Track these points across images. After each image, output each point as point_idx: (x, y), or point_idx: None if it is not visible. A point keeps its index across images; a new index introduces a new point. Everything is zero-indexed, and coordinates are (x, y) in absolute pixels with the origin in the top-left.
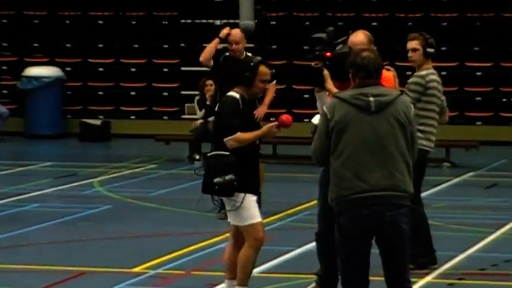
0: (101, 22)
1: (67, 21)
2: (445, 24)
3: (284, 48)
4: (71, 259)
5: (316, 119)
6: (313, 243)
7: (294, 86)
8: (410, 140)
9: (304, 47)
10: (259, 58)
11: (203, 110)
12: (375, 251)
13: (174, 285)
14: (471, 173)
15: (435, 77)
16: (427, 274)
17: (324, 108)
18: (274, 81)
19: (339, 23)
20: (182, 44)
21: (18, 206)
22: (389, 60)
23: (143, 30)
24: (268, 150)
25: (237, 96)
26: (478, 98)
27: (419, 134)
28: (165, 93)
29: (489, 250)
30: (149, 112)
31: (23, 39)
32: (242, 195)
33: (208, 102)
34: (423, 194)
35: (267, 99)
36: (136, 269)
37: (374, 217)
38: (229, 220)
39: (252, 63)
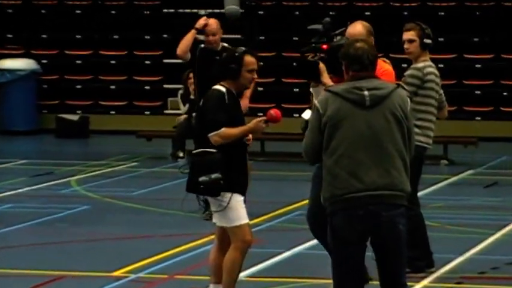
0: (78, 11)
1: (43, 11)
2: (443, 13)
3: (273, 39)
4: (48, 263)
5: (306, 114)
6: (304, 245)
7: (283, 80)
8: (407, 136)
9: (294, 38)
10: (243, 48)
11: (187, 105)
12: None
13: None
14: (470, 171)
15: (433, 69)
16: (423, 278)
17: (316, 102)
18: None
19: (331, 13)
20: (165, 35)
21: None
22: (384, 52)
23: (123, 20)
24: (256, 147)
25: (223, 89)
26: (478, 92)
27: (416, 130)
28: (147, 87)
29: (489, 252)
30: (130, 107)
31: None
32: (229, 195)
33: (192, 97)
34: (419, 193)
35: (248, 91)
36: (117, 273)
37: (369, 217)
38: (214, 221)
39: (236, 54)
